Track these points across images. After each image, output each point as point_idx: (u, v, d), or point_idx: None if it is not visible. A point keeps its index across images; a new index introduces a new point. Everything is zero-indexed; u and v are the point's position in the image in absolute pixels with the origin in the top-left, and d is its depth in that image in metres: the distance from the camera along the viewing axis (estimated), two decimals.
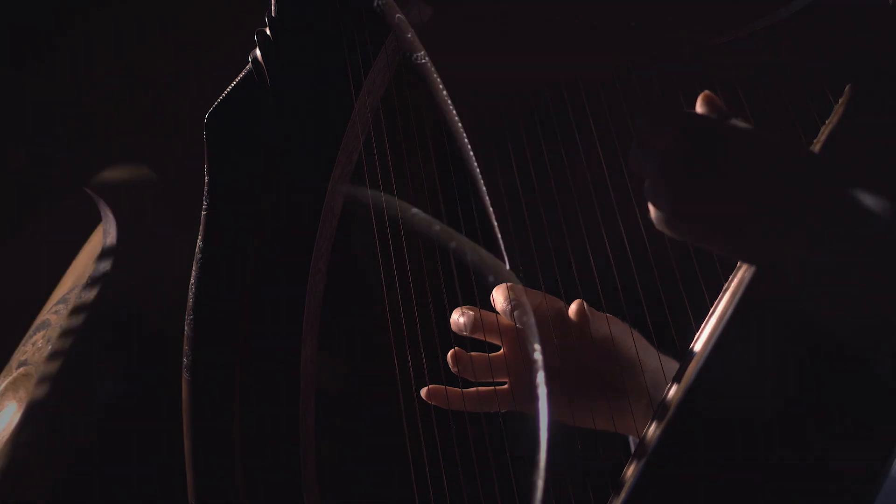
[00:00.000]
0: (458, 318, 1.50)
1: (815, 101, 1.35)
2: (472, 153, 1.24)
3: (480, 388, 1.50)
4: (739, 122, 1.29)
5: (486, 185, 1.39)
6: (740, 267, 1.35)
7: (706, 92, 1.31)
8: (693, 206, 1.27)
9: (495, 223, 1.22)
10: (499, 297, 1.48)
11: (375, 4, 1.26)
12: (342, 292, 1.46)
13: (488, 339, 1.50)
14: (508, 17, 1.39)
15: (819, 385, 1.27)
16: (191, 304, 1.39)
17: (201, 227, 1.39)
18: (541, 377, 1.04)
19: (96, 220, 1.99)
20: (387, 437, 1.50)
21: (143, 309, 1.92)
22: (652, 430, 1.33)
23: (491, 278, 1.03)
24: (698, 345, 1.34)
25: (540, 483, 1.02)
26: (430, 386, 1.48)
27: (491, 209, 1.22)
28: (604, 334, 1.49)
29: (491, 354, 1.50)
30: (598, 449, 1.47)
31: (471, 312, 1.49)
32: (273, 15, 1.41)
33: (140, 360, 1.89)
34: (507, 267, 1.11)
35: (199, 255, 1.39)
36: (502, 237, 1.39)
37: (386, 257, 1.38)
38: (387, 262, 1.38)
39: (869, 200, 1.26)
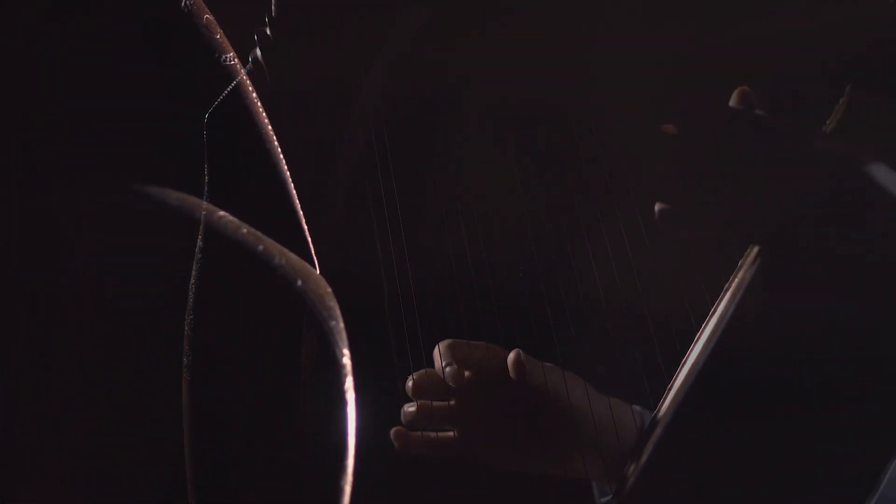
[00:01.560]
0: (408, 382, 1.50)
1: (816, 100, 1.35)
2: (282, 156, 1.24)
3: (428, 434, 1.50)
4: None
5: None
6: (741, 267, 1.35)
7: (743, 87, 1.32)
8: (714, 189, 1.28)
9: (305, 227, 1.22)
10: (438, 356, 1.48)
11: (184, 5, 1.26)
12: (342, 292, 1.45)
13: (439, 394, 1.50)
14: (503, 18, 1.39)
15: (820, 384, 1.28)
16: (191, 304, 1.38)
17: (201, 227, 1.39)
18: (349, 382, 1.05)
19: None
20: (386, 437, 1.50)
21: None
22: (651, 430, 1.33)
23: (299, 282, 1.03)
24: (698, 345, 1.34)
25: (347, 488, 1.02)
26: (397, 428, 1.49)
27: (301, 212, 1.22)
28: (540, 386, 1.49)
29: (437, 404, 1.50)
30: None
31: (414, 377, 1.49)
32: (273, 15, 1.41)
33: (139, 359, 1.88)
34: (318, 271, 1.11)
35: (199, 255, 1.39)
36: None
37: (386, 256, 1.38)
38: (387, 261, 1.38)
39: (869, 200, 1.27)
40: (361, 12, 1.41)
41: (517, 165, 1.41)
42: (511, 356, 1.48)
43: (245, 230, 1.04)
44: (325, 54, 1.41)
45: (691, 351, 1.35)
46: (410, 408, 1.50)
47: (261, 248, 1.04)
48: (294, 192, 1.22)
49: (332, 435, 1.06)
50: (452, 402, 1.50)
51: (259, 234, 1.04)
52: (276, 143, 1.22)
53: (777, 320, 1.31)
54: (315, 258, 1.19)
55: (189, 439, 1.36)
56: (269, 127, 1.22)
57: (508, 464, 1.49)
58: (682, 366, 1.35)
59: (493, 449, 1.49)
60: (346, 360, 1.04)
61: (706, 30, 1.36)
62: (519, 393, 1.48)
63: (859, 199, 1.27)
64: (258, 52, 1.40)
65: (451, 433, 1.50)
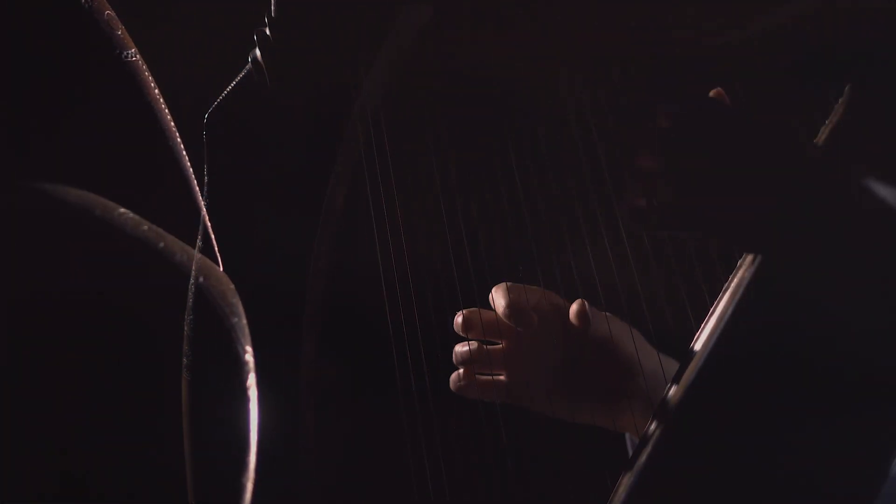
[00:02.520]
0: (457, 318, 1.51)
1: (815, 101, 1.35)
2: (184, 152, 1.23)
3: (481, 377, 1.50)
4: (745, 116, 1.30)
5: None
6: (740, 267, 1.35)
7: (718, 89, 1.32)
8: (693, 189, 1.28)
9: (209, 223, 1.22)
10: (497, 297, 1.48)
11: (84, 1, 1.25)
12: (342, 292, 1.46)
13: (488, 338, 1.51)
14: (504, 17, 1.39)
15: (820, 384, 1.27)
16: (191, 304, 1.39)
17: (201, 227, 1.39)
18: (252, 379, 1.05)
19: None
20: (387, 437, 1.50)
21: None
22: (651, 429, 1.33)
23: (201, 279, 1.03)
24: (698, 344, 1.34)
25: (249, 485, 1.02)
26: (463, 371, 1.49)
27: (204, 209, 1.22)
28: (603, 334, 1.49)
29: (490, 347, 1.51)
30: (594, 444, 1.47)
31: (464, 313, 1.50)
32: (273, 15, 1.41)
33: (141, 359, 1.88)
34: (221, 268, 1.10)
35: (199, 255, 1.39)
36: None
37: (386, 256, 1.38)
38: (387, 261, 1.38)
39: (869, 200, 1.27)
40: (362, 11, 1.41)
41: (517, 165, 1.41)
42: (574, 307, 1.48)
43: (146, 227, 1.03)
44: (325, 53, 1.41)
45: (692, 350, 1.35)
46: (463, 347, 1.50)
47: (162, 244, 1.03)
48: (197, 188, 1.22)
49: (233, 432, 1.06)
50: (502, 345, 1.50)
51: (160, 230, 1.04)
52: (178, 139, 1.21)
53: (777, 319, 1.31)
54: (218, 255, 1.19)
55: (189, 439, 1.36)
56: (172, 123, 1.22)
57: (559, 412, 1.50)
58: (682, 365, 1.35)
59: (545, 396, 1.49)
60: (249, 357, 1.03)
61: (706, 29, 1.36)
62: (576, 339, 1.49)
63: (848, 207, 1.27)
64: (258, 52, 1.40)
65: (502, 377, 1.50)
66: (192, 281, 1.39)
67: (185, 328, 1.38)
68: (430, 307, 1.40)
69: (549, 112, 1.41)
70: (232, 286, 1.04)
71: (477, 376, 1.50)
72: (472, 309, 1.49)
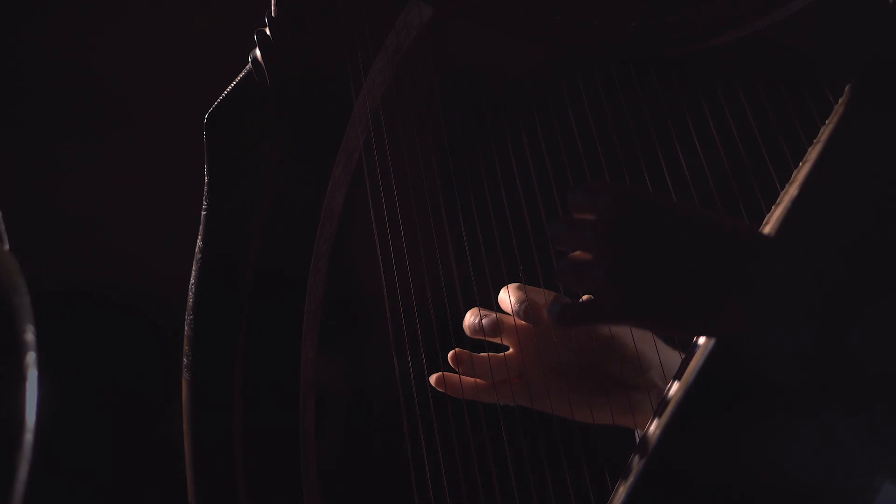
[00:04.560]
0: (475, 320, 1.50)
1: (816, 101, 1.35)
2: None
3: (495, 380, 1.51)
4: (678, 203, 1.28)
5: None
6: None
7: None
8: (630, 279, 1.24)
9: None
10: (510, 297, 1.48)
11: None
12: (342, 292, 1.46)
13: (503, 341, 1.51)
14: (503, 15, 1.39)
15: (823, 387, 1.27)
16: (191, 304, 1.39)
17: (201, 227, 1.39)
18: (30, 358, 1.04)
19: None
20: (386, 437, 1.50)
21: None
22: (652, 429, 1.33)
23: None
24: (697, 345, 1.34)
25: (24, 464, 1.02)
26: (441, 373, 1.49)
27: None
28: (604, 330, 1.49)
29: (506, 353, 1.51)
30: (599, 443, 1.47)
31: (492, 315, 1.49)
32: (273, 15, 1.41)
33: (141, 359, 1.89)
34: (7, 247, 1.09)
35: (199, 255, 1.39)
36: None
37: (386, 257, 1.38)
38: (387, 261, 1.38)
39: (869, 202, 1.26)
40: (362, 11, 1.41)
41: (517, 164, 1.41)
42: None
43: None
44: (325, 53, 1.41)
45: (691, 352, 1.35)
46: (482, 360, 1.49)
47: None
48: None
49: (8, 411, 1.04)
50: (510, 351, 1.51)
51: None
52: None
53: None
54: (5, 234, 1.18)
55: (189, 439, 1.36)
56: None
57: (579, 413, 1.50)
58: (682, 367, 1.35)
59: (563, 397, 1.49)
60: (30, 337, 1.03)
61: (706, 29, 1.36)
62: (576, 338, 1.49)
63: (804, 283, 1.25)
64: (258, 52, 1.40)
65: (516, 381, 1.51)
66: (192, 281, 1.39)
67: (186, 328, 1.38)
68: (430, 307, 1.41)
69: (549, 111, 1.41)
70: (17, 265, 1.03)
71: (498, 382, 1.50)
72: (486, 310, 1.49)
